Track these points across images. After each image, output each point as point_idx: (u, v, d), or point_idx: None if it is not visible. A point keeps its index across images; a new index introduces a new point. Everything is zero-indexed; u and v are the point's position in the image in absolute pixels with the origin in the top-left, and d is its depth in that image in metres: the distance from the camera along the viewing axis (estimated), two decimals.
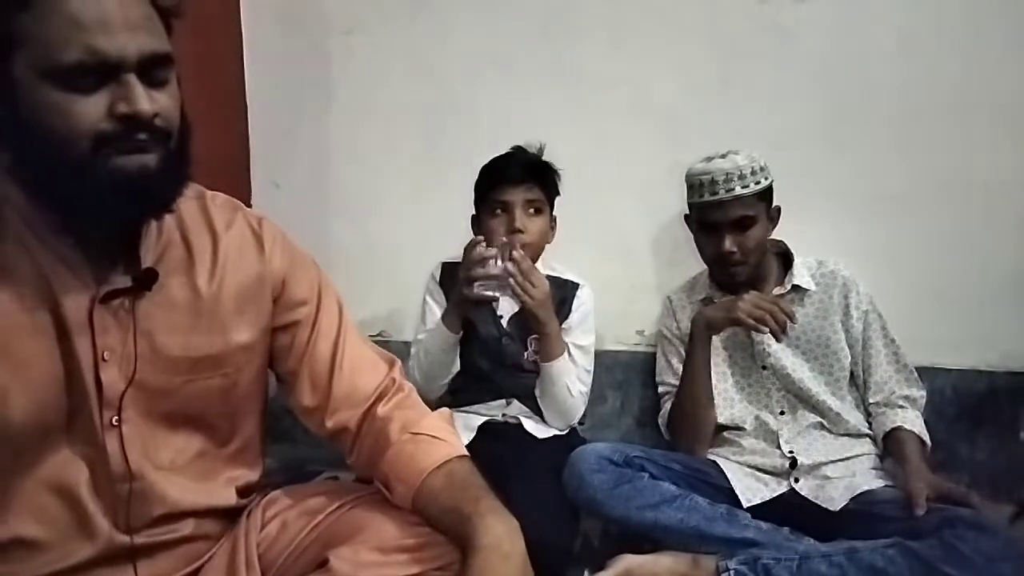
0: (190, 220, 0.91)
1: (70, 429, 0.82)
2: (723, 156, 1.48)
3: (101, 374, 0.82)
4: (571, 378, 1.56)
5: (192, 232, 0.91)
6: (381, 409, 0.96)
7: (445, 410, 1.02)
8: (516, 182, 1.56)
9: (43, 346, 0.80)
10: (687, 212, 1.60)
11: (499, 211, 1.56)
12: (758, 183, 1.46)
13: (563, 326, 1.61)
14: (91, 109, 0.73)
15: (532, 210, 1.57)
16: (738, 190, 1.45)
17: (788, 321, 1.39)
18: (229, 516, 0.96)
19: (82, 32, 0.72)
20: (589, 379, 1.63)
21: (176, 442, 0.90)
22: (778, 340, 1.44)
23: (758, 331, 1.44)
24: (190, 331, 0.88)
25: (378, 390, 0.97)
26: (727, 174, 1.45)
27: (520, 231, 1.54)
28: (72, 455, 0.83)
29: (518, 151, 1.62)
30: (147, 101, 0.75)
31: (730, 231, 1.47)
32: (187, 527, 0.90)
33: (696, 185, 1.50)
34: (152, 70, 0.76)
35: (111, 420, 0.83)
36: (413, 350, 1.62)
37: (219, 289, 0.90)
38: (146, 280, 0.84)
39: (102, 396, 0.83)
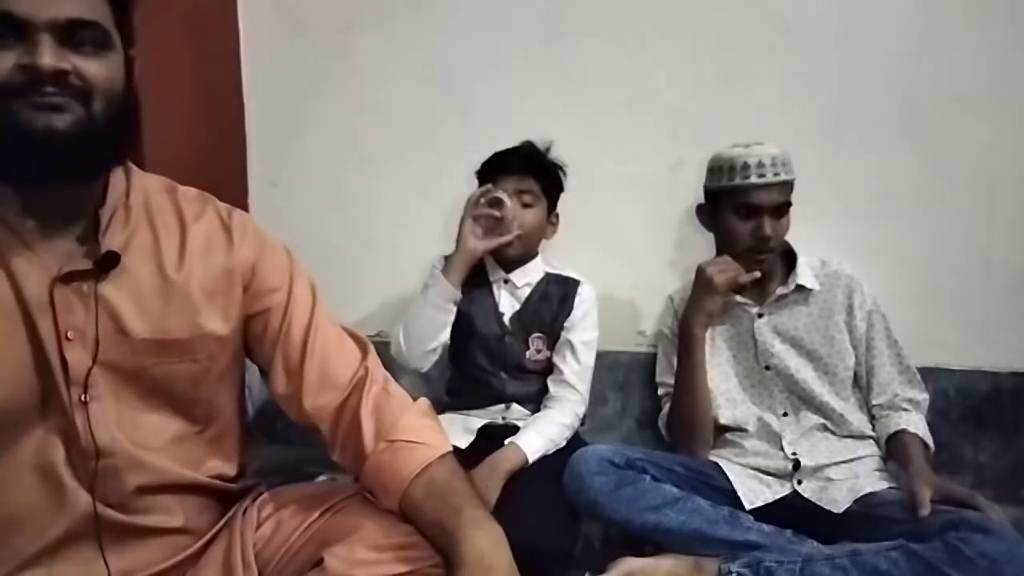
0: (159, 211, 0.93)
1: (44, 408, 0.84)
2: (758, 144, 1.47)
3: (65, 353, 0.83)
4: (563, 425, 1.54)
5: (160, 221, 0.92)
6: (359, 408, 0.95)
7: (424, 401, 1.01)
8: (509, 172, 1.57)
9: (8, 327, 0.82)
10: (702, 203, 1.58)
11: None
12: (791, 173, 1.48)
13: (565, 324, 1.61)
14: None
15: (524, 201, 1.58)
16: (783, 175, 1.45)
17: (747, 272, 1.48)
18: (212, 508, 0.96)
19: None
20: (590, 377, 1.62)
21: (152, 422, 0.90)
22: (744, 287, 1.51)
23: (740, 288, 1.50)
24: (158, 315, 0.89)
25: (353, 380, 0.97)
26: (773, 158, 1.45)
27: (511, 220, 1.55)
28: (48, 433, 0.84)
29: (525, 145, 1.62)
30: (52, 57, 0.76)
31: (770, 215, 1.46)
32: (167, 515, 0.90)
33: (740, 167, 1.45)
34: (74, 37, 0.78)
35: (79, 398, 0.84)
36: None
37: (187, 277, 0.91)
38: (106, 264, 0.85)
39: (68, 374, 0.84)
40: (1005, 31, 1.66)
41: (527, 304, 1.63)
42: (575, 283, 1.64)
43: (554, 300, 1.63)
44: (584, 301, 1.63)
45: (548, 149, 1.64)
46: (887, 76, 1.72)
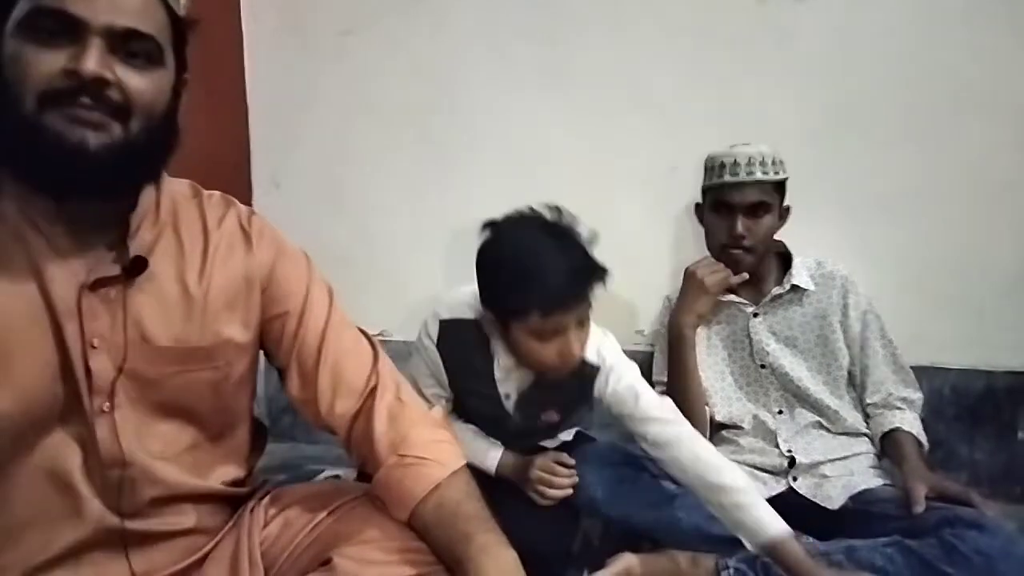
0: (186, 217, 0.93)
1: (65, 415, 0.83)
2: (745, 144, 1.50)
3: (90, 361, 0.82)
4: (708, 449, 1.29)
5: (184, 228, 0.92)
6: (372, 417, 0.95)
7: (438, 410, 1.01)
8: (573, 307, 1.20)
9: (35, 333, 0.80)
10: (699, 201, 1.60)
11: (550, 336, 1.21)
12: (776, 173, 1.49)
13: (600, 408, 1.36)
14: (47, 61, 0.74)
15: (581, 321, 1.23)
16: (758, 175, 1.47)
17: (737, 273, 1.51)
18: (224, 509, 0.97)
19: None
20: (648, 387, 1.33)
21: (167, 432, 0.90)
22: (737, 287, 1.54)
23: (729, 290, 1.53)
24: (180, 323, 0.89)
25: (367, 387, 0.97)
26: (749, 158, 1.48)
27: (572, 357, 1.23)
28: (66, 440, 0.83)
29: (569, 251, 1.19)
30: (96, 63, 0.74)
31: (744, 214, 1.49)
32: (181, 516, 0.90)
33: (717, 166, 1.51)
34: (127, 47, 0.77)
35: (102, 407, 0.84)
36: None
37: (207, 287, 0.91)
38: (135, 269, 0.85)
39: (92, 383, 0.83)
40: (1004, 31, 1.66)
41: (538, 384, 1.34)
42: (593, 369, 1.31)
43: (570, 387, 1.32)
44: (610, 382, 1.31)
45: (586, 237, 1.23)
46: (886, 77, 1.72)
